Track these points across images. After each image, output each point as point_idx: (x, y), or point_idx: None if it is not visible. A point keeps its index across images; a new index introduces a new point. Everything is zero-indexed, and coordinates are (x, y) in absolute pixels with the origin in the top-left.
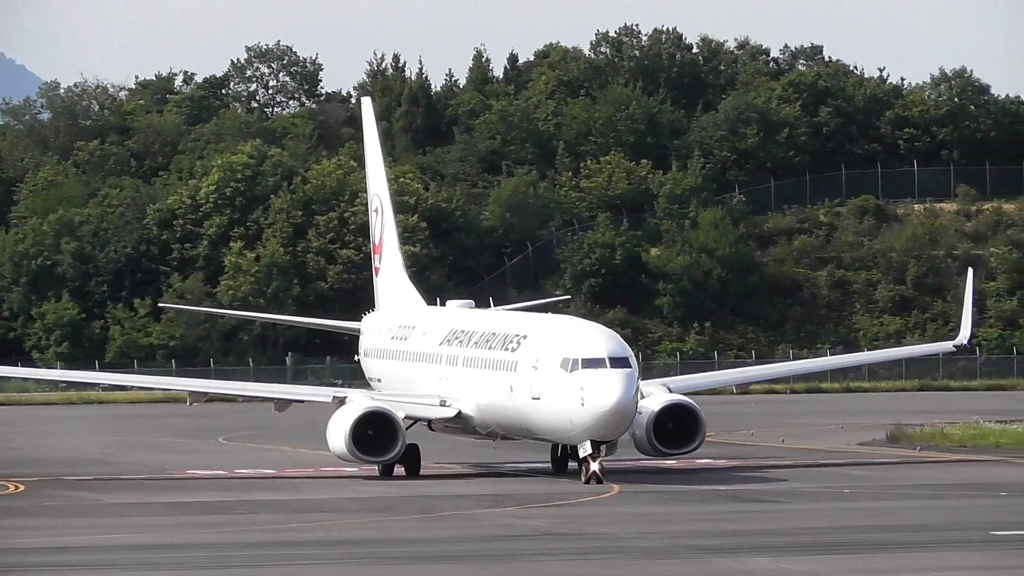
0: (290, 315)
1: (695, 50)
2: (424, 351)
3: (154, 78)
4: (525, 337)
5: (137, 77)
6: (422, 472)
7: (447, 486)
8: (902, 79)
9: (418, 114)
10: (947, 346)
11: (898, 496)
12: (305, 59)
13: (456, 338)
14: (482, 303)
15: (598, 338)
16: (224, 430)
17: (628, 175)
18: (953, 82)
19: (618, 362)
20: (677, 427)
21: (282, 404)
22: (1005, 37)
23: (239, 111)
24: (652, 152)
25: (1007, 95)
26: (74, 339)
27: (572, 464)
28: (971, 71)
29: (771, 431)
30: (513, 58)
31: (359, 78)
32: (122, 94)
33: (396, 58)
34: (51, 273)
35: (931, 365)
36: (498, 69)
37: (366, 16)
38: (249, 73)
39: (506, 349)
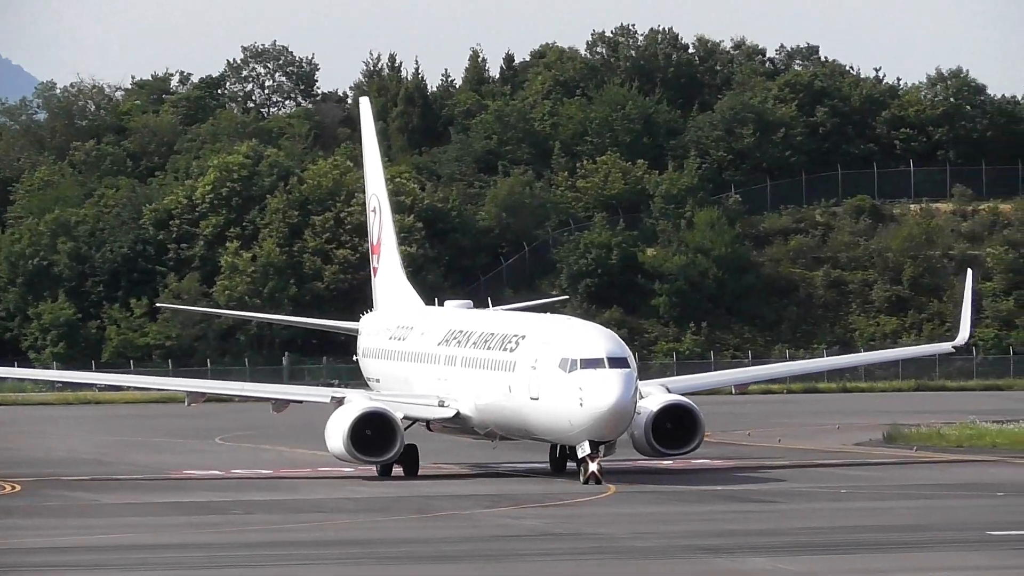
0: (286, 315)
1: (691, 50)
2: (422, 351)
3: (150, 78)
4: (524, 337)
5: (133, 77)
6: (420, 472)
7: (445, 486)
8: (898, 79)
9: (414, 114)
10: (946, 347)
11: (895, 496)
12: (301, 59)
13: (454, 338)
14: (478, 303)
15: (597, 338)
16: (221, 430)
17: (624, 175)
18: (949, 82)
19: (617, 362)
20: (676, 427)
21: (280, 404)
22: (1001, 37)
23: (235, 111)
24: (648, 152)
25: (1003, 95)
26: (70, 339)
27: (571, 464)
28: (967, 71)
29: (768, 431)
30: (509, 58)
31: (355, 78)
32: (118, 94)
33: (392, 58)
34: (47, 273)
35: (928, 365)
36: (494, 69)
37: (362, 16)
38: (245, 73)
39: (504, 349)
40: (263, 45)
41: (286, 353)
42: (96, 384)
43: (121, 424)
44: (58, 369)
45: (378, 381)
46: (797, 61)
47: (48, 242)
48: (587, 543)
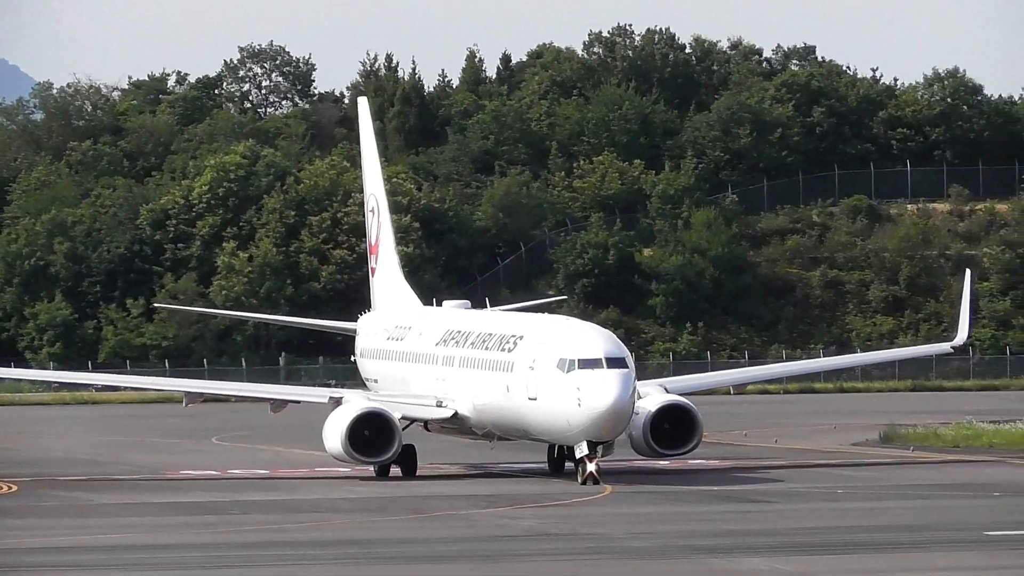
0: (283, 315)
1: (688, 50)
2: (420, 351)
3: (147, 78)
4: (521, 337)
5: (130, 77)
6: (418, 473)
7: (442, 486)
8: (895, 79)
9: (411, 114)
10: (945, 347)
11: (891, 496)
12: (298, 59)
13: (452, 338)
14: (475, 303)
15: (595, 338)
16: (217, 430)
17: (621, 175)
18: (946, 82)
19: (615, 362)
20: (674, 428)
21: (278, 405)
22: (999, 37)
23: (232, 111)
24: (645, 152)
25: (1000, 95)
26: (67, 339)
27: (569, 465)
28: (964, 71)
29: (764, 431)
30: (506, 58)
31: (352, 78)
32: (115, 94)
33: (389, 58)
34: (44, 273)
35: (924, 365)
36: (491, 69)
37: (359, 16)
38: (242, 73)
39: (502, 349)
40: (260, 45)
41: (283, 353)
42: (93, 384)
43: (118, 424)
44: (55, 369)
45: (376, 381)
46: (794, 61)
47: (45, 242)
48: (584, 543)
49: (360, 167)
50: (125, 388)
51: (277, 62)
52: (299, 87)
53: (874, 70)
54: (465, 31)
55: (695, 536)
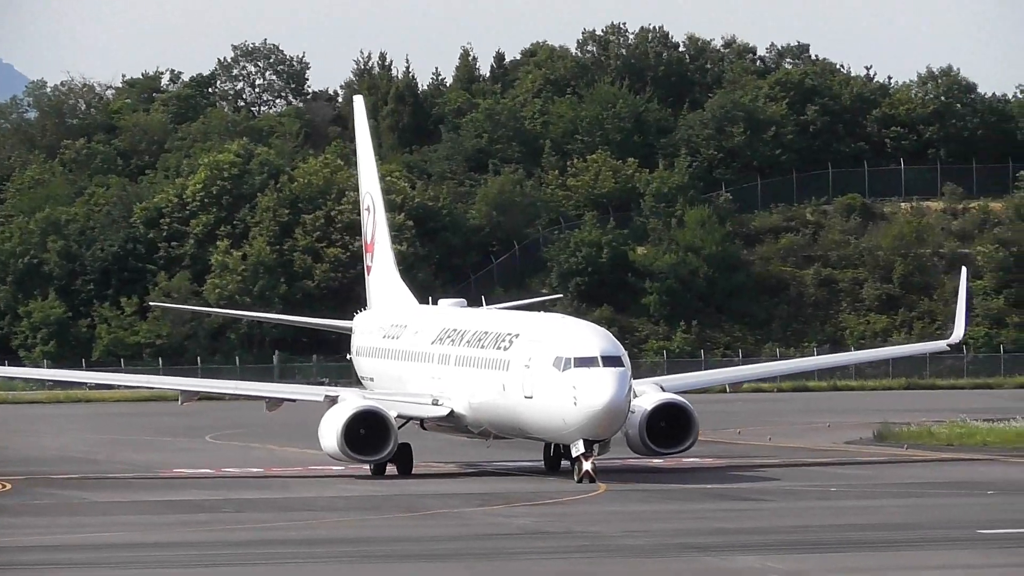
0: (277, 314)
1: (682, 49)
2: (416, 350)
3: (141, 77)
4: (517, 336)
5: (124, 76)
6: (414, 471)
7: (436, 485)
8: (889, 77)
9: (405, 113)
10: (940, 345)
11: (885, 495)
12: (292, 58)
13: (448, 337)
14: (469, 301)
15: (590, 337)
16: (211, 429)
17: (615, 173)
18: (940, 80)
19: (611, 361)
20: (670, 426)
21: (273, 403)
22: (992, 36)
23: (226, 110)
24: (639, 150)
25: (993, 93)
26: (61, 338)
27: (565, 463)
28: (958, 70)
29: (758, 429)
30: (500, 57)
31: (346, 77)
32: (109, 93)
33: (383, 57)
34: (37, 272)
35: (918, 363)
36: (485, 68)
37: (353, 15)
38: (236, 72)
39: (498, 348)
40: (254, 44)
41: (276, 352)
42: (86, 383)
43: (111, 422)
44: (48, 368)
45: (372, 380)
46: (787, 60)
47: (38, 240)
48: (578, 541)
49: (355, 165)
50: (119, 386)
51: (271, 60)
52: (293, 85)
53: (868, 68)
54: (459, 30)
55: (689, 534)
